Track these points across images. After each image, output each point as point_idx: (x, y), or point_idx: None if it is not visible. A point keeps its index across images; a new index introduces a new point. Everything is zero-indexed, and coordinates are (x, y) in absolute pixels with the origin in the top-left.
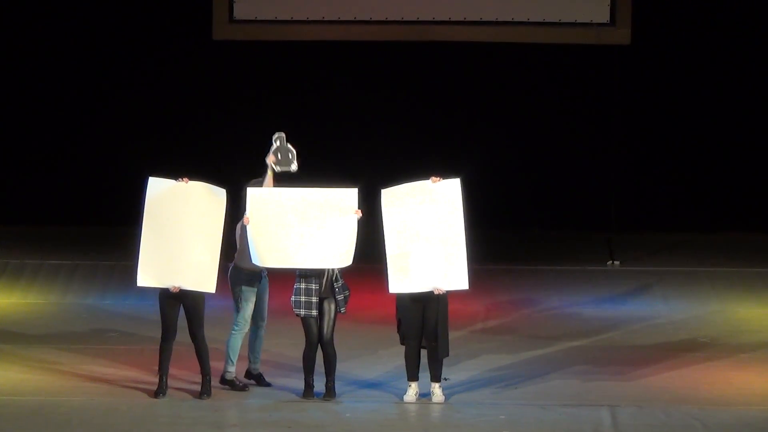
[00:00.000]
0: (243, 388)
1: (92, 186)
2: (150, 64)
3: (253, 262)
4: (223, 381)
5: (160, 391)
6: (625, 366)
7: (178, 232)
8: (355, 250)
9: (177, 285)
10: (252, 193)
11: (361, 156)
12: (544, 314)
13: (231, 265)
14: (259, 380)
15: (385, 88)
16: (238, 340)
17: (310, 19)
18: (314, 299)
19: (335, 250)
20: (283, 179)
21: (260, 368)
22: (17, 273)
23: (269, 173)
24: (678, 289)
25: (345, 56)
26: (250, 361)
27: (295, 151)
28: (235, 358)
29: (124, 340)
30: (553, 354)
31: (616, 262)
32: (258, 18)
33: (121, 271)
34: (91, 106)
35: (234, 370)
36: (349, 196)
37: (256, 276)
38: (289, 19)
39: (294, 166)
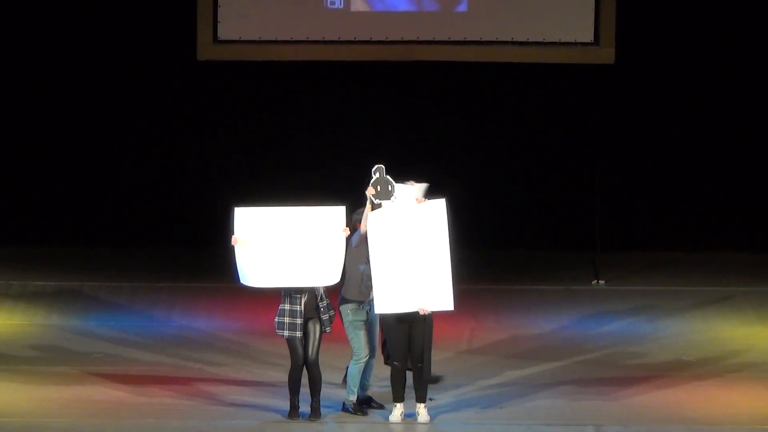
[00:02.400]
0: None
1: (75, 206)
2: (134, 86)
3: (241, 281)
4: (343, 408)
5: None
6: (610, 385)
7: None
8: (342, 267)
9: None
10: (239, 213)
11: (346, 174)
12: (530, 334)
13: (339, 296)
14: (369, 403)
15: (370, 107)
16: (355, 369)
17: (294, 39)
18: (299, 320)
19: (322, 269)
20: (272, 198)
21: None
22: (1, 295)
23: (368, 205)
24: (663, 309)
25: (329, 76)
26: (361, 387)
27: (394, 183)
28: (354, 386)
29: (110, 362)
30: (538, 374)
31: (601, 282)
32: (242, 38)
33: (106, 292)
34: (75, 128)
35: (354, 398)
36: (337, 214)
37: (362, 306)
38: (274, 39)
39: (393, 198)
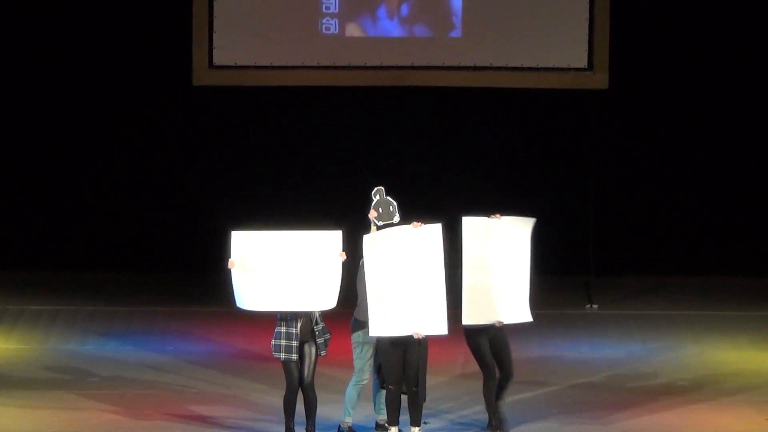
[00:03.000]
0: None
1: (71, 232)
2: (131, 111)
3: (237, 305)
4: (339, 430)
5: None
6: (603, 409)
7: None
8: (339, 292)
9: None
10: (236, 237)
11: (341, 197)
12: (523, 358)
13: (352, 318)
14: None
15: (365, 132)
16: (354, 392)
17: (289, 64)
18: (294, 343)
19: (319, 293)
20: (268, 221)
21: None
22: None
23: (372, 228)
24: (656, 333)
25: (324, 101)
26: (376, 413)
27: (395, 203)
28: (351, 409)
29: (105, 385)
30: (532, 398)
31: (595, 306)
32: (237, 64)
33: (102, 316)
34: (73, 153)
35: (350, 421)
36: (334, 238)
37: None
38: (269, 64)
39: (396, 218)
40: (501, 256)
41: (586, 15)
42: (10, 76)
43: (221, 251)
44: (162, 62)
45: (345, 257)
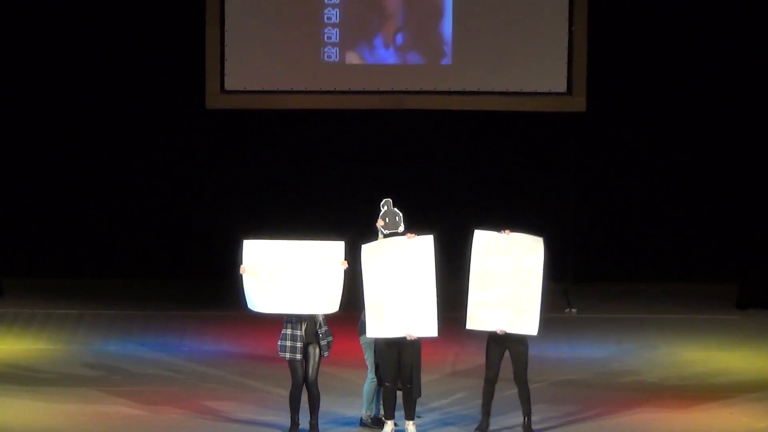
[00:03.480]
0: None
1: (94, 243)
2: (149, 131)
3: (249, 307)
4: (361, 422)
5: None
6: (581, 404)
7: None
8: (341, 298)
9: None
10: (247, 245)
11: (342, 210)
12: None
13: (360, 321)
14: (378, 423)
15: (364, 152)
16: (371, 387)
17: (294, 89)
18: (299, 344)
19: (322, 298)
20: (274, 233)
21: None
22: (28, 322)
23: (380, 236)
24: (630, 335)
25: (327, 123)
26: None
27: (401, 214)
28: (370, 402)
29: (126, 382)
30: (514, 395)
31: (574, 310)
32: (247, 89)
33: (123, 320)
34: (97, 169)
35: (370, 413)
36: (337, 248)
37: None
38: (276, 89)
39: (401, 228)
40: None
41: (566, 45)
42: (43, 96)
43: (231, 260)
44: (178, 87)
45: (347, 266)
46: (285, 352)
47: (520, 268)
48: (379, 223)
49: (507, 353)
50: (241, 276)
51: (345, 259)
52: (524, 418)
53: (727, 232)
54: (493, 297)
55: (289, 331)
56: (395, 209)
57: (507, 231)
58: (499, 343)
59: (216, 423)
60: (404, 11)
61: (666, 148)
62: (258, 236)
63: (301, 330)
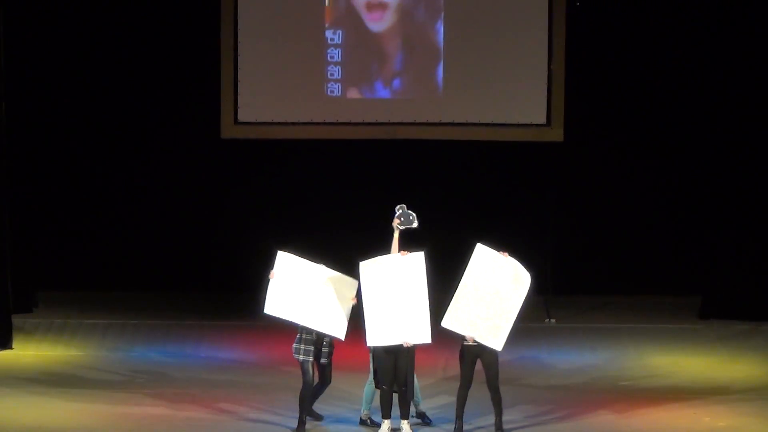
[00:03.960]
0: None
1: (120, 260)
2: (171, 158)
3: (266, 310)
4: (360, 422)
5: None
6: (558, 405)
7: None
8: (347, 328)
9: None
10: (281, 255)
11: (344, 231)
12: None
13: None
14: (421, 418)
15: (363, 177)
16: (370, 389)
17: (300, 121)
18: (311, 347)
19: (332, 322)
20: (288, 248)
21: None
22: (61, 330)
23: (396, 234)
24: (603, 342)
25: (329, 151)
26: (414, 404)
27: (414, 214)
28: (368, 403)
29: (148, 385)
30: (488, 397)
31: (553, 320)
32: (258, 120)
33: (146, 329)
34: (119, 194)
35: (368, 412)
36: (351, 285)
37: None
38: (284, 121)
39: (415, 224)
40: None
41: (545, 82)
42: (78, 123)
43: (243, 275)
44: (196, 119)
45: (355, 302)
46: (299, 354)
47: (503, 292)
48: (395, 222)
49: (479, 362)
50: (269, 280)
51: (355, 296)
52: (496, 419)
53: (690, 251)
54: (474, 308)
55: (303, 336)
56: (410, 211)
57: (505, 253)
58: (471, 352)
59: (230, 422)
60: (399, 52)
61: (633, 174)
62: (268, 252)
63: (313, 335)
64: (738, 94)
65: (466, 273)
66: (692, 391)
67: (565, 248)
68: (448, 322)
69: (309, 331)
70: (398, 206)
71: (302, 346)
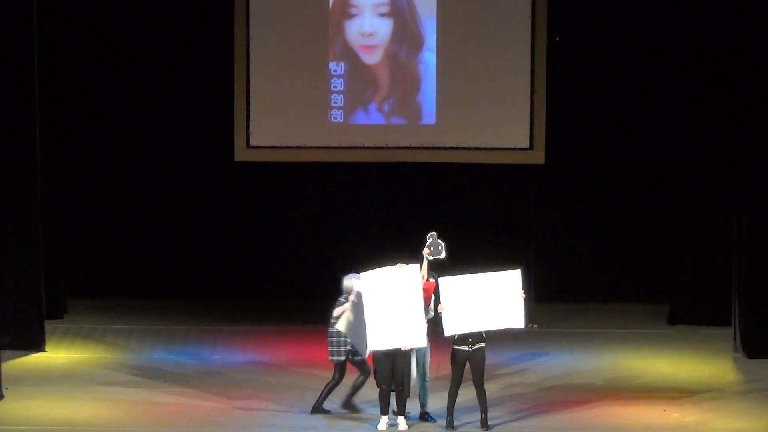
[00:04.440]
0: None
1: (141, 270)
2: (189, 180)
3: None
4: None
5: None
6: (540, 402)
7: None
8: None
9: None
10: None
11: (340, 245)
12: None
13: None
14: (424, 417)
15: (364, 197)
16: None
17: (306, 145)
18: (343, 348)
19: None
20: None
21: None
22: (89, 335)
23: (425, 262)
24: (581, 346)
25: (333, 173)
26: (421, 405)
27: (443, 244)
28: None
29: (168, 385)
30: (487, 394)
31: (535, 326)
32: (268, 145)
33: (166, 333)
34: (140, 212)
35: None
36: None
37: None
38: (291, 145)
39: (443, 255)
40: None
41: (528, 109)
42: (107, 141)
43: (255, 284)
44: (212, 143)
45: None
46: (335, 356)
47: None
48: (425, 251)
49: (468, 364)
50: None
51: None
52: (482, 415)
53: (660, 263)
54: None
55: (336, 339)
56: (438, 240)
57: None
58: (461, 355)
59: (243, 415)
60: (396, 83)
61: (608, 193)
62: (277, 264)
63: (344, 338)
64: (706, 119)
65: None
66: (662, 389)
67: (546, 260)
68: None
69: (340, 334)
70: (429, 234)
71: (335, 348)
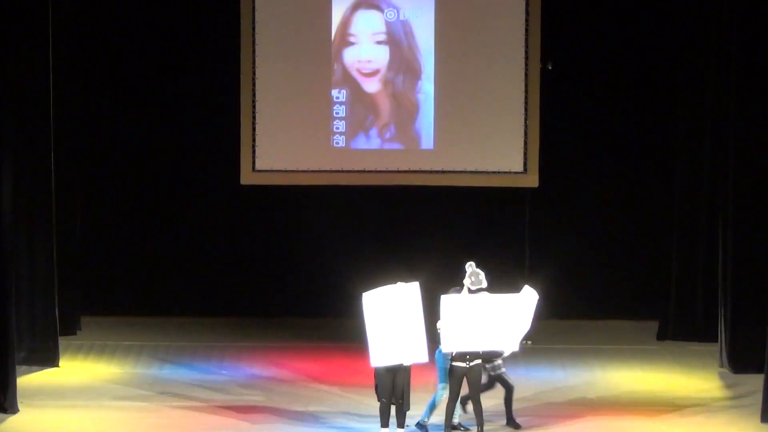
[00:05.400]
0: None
1: (151, 288)
2: (197, 203)
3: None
4: (418, 425)
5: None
6: (533, 416)
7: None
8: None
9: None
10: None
11: (349, 266)
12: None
13: (437, 350)
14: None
15: (365, 219)
16: (435, 400)
17: (309, 169)
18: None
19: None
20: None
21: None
22: (101, 351)
23: (464, 290)
24: (573, 361)
25: (335, 196)
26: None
27: (483, 273)
28: (430, 412)
29: (177, 398)
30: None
31: (529, 342)
32: (273, 168)
33: (175, 350)
34: (150, 233)
35: (428, 420)
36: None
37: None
38: (295, 168)
39: (484, 284)
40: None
41: (522, 133)
42: (120, 166)
43: (261, 302)
44: (219, 167)
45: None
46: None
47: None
48: (467, 281)
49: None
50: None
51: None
52: (478, 428)
53: (649, 281)
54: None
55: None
56: (478, 269)
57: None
58: (459, 371)
59: (249, 427)
60: (395, 110)
61: (599, 214)
62: (279, 282)
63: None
64: (693, 145)
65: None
66: (651, 403)
67: (540, 278)
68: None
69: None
70: (467, 264)
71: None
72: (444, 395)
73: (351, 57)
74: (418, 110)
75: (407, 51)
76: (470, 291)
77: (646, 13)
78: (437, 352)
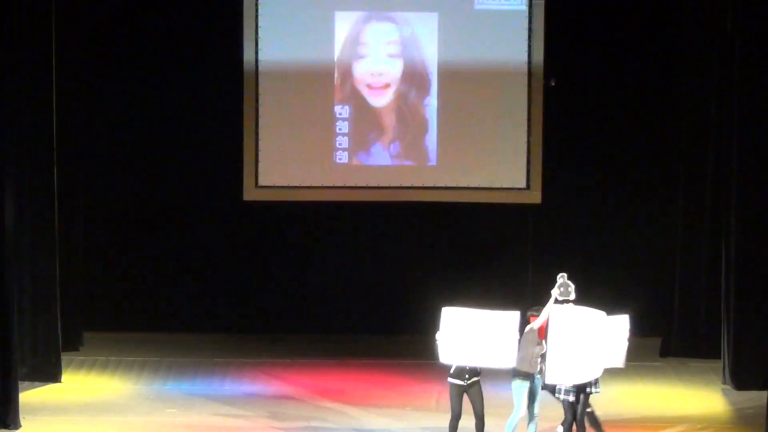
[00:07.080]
0: None
1: (152, 305)
2: (200, 220)
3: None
4: None
5: None
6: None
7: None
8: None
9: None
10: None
11: (351, 282)
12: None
13: (513, 369)
14: None
15: (368, 235)
16: (512, 422)
17: (312, 185)
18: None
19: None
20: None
21: None
22: (103, 366)
23: (551, 301)
24: None
25: (337, 212)
26: None
27: (573, 285)
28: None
29: (179, 413)
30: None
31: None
32: (276, 185)
33: (178, 365)
34: (153, 250)
35: None
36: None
37: (529, 376)
38: (298, 185)
39: (572, 296)
40: (478, 339)
41: (525, 150)
42: (126, 187)
43: (266, 319)
44: (222, 183)
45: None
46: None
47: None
48: (556, 291)
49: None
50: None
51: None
52: None
53: (652, 299)
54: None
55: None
56: (568, 281)
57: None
58: (457, 389)
59: None
60: (398, 125)
61: (602, 231)
62: (284, 299)
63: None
64: (696, 161)
65: (440, 338)
66: (653, 420)
67: (543, 295)
68: (445, 360)
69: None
70: (560, 275)
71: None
72: (516, 420)
73: (361, 70)
74: (424, 125)
75: (419, 65)
76: (557, 301)
77: (648, 30)
78: (513, 370)
